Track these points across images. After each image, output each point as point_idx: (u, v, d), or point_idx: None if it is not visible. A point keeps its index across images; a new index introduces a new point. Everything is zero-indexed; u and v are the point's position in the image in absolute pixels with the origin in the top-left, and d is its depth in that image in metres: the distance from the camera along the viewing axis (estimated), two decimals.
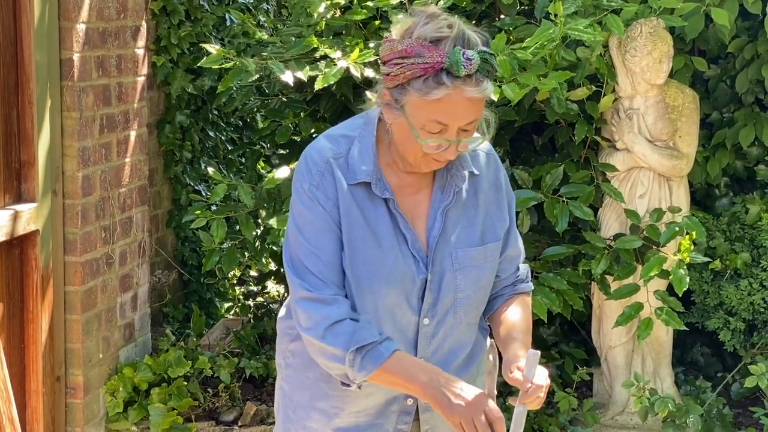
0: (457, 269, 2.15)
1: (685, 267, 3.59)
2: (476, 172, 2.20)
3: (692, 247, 3.56)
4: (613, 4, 3.81)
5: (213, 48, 3.85)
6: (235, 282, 5.68)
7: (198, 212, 4.01)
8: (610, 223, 3.99)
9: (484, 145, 2.25)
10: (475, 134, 2.09)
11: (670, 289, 3.82)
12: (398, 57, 2.01)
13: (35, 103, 3.60)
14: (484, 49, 2.02)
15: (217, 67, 3.88)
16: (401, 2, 3.91)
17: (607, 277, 3.86)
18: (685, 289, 3.56)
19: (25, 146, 3.61)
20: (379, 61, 2.13)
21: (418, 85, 1.99)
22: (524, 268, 2.35)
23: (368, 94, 2.30)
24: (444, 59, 1.96)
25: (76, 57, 3.78)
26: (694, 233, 3.59)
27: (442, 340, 2.18)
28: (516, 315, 2.26)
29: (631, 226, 3.89)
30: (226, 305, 5.44)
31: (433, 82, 1.98)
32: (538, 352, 2.03)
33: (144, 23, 4.29)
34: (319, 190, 2.11)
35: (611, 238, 3.93)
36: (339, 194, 2.11)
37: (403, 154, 2.11)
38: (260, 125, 5.73)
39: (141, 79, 4.29)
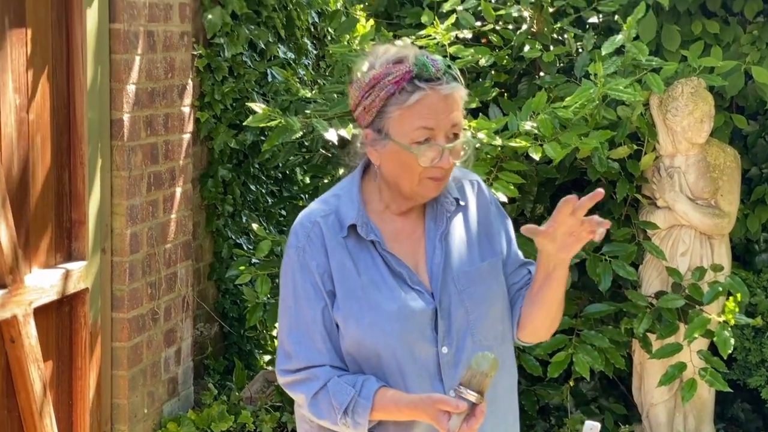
0: (462, 290, 2.16)
1: (729, 328, 3.59)
2: (462, 202, 2.24)
3: (737, 309, 3.56)
4: (653, 63, 3.85)
5: (258, 107, 3.91)
6: (274, 334, 5.71)
7: (242, 268, 4.06)
8: (651, 280, 4.01)
9: (468, 175, 2.29)
10: (463, 139, 2.10)
11: (712, 347, 3.82)
12: (368, 88, 2.10)
13: (86, 163, 3.68)
14: (444, 59, 2.12)
15: (263, 125, 3.94)
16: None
17: (649, 335, 3.87)
18: (730, 351, 3.56)
19: (76, 206, 3.68)
20: (352, 110, 2.17)
21: (395, 99, 2.07)
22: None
23: (345, 152, 2.32)
24: (412, 67, 2.06)
25: (126, 117, 3.86)
26: (738, 294, 3.59)
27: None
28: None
29: (673, 284, 3.90)
30: (266, 357, 5.47)
31: (408, 88, 2.06)
32: (598, 425, 2.04)
33: (190, 81, 4.38)
34: (306, 253, 2.14)
35: (653, 295, 3.94)
36: (329, 252, 2.13)
37: (398, 187, 2.14)
38: (299, 177, 5.81)
39: (187, 137, 4.37)
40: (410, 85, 2.06)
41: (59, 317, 3.64)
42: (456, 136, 2.10)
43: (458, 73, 2.12)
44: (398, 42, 3.93)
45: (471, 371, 1.95)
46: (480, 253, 2.21)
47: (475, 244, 2.22)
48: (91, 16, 3.68)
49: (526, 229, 2.03)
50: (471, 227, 2.23)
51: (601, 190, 1.98)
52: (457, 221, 2.22)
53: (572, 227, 2.01)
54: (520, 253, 2.32)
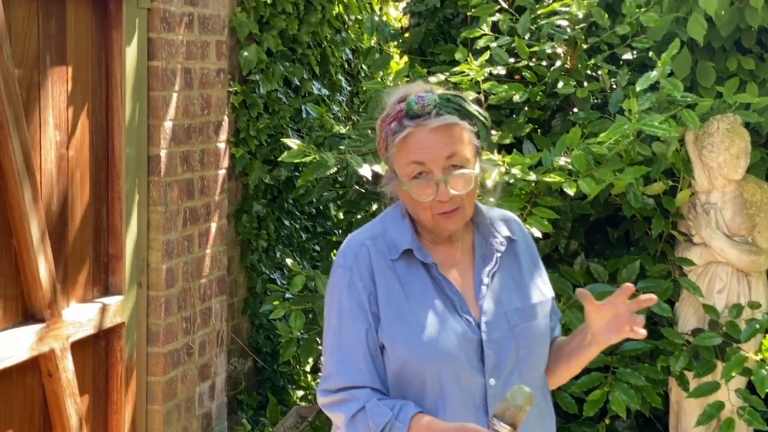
0: (514, 326, 2.18)
1: (767, 366, 3.55)
2: (513, 237, 2.28)
3: None
4: (688, 99, 3.84)
5: (293, 143, 3.93)
6: (307, 369, 5.71)
7: (276, 303, 4.06)
8: (688, 317, 3.97)
9: (514, 217, 2.35)
10: (463, 170, 2.13)
11: (751, 385, 3.77)
12: (379, 129, 2.19)
13: (124, 198, 3.72)
14: (446, 92, 2.17)
15: (296, 161, 3.96)
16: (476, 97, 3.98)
17: (686, 373, 3.83)
18: None
19: (114, 240, 3.72)
20: None
21: (391, 139, 2.14)
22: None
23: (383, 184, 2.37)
24: (403, 107, 2.13)
25: (162, 153, 3.90)
26: None
27: None
28: (560, 338, 2.37)
29: (709, 321, 3.87)
30: (300, 393, 5.47)
31: (398, 128, 2.13)
32: None
33: (225, 117, 4.43)
34: (353, 273, 2.17)
35: (689, 332, 3.91)
36: (376, 273, 2.16)
37: (419, 220, 2.19)
38: (333, 213, 5.83)
39: (222, 172, 4.41)
40: (399, 124, 2.13)
41: (96, 351, 3.67)
42: (457, 167, 2.12)
43: (463, 105, 2.15)
44: (432, 78, 3.96)
45: (506, 403, 1.95)
46: (531, 292, 2.26)
47: (527, 283, 2.26)
48: (130, 54, 3.74)
49: (582, 293, 2.14)
50: (520, 266, 2.28)
51: (654, 297, 2.13)
52: (506, 258, 2.26)
53: (621, 314, 2.13)
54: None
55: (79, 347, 3.53)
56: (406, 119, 2.12)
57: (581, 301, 2.15)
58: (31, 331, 3.26)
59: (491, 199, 2.50)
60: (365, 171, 3.87)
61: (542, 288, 2.29)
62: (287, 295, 4.23)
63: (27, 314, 3.30)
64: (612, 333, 2.15)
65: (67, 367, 3.42)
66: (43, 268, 3.27)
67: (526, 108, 4.32)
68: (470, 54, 4.16)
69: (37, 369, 3.36)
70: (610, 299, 2.14)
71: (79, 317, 3.49)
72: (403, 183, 2.13)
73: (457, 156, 2.12)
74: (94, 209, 3.64)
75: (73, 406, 3.45)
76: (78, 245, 3.55)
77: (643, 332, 2.11)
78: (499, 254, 2.23)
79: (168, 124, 3.93)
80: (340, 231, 5.12)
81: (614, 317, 2.14)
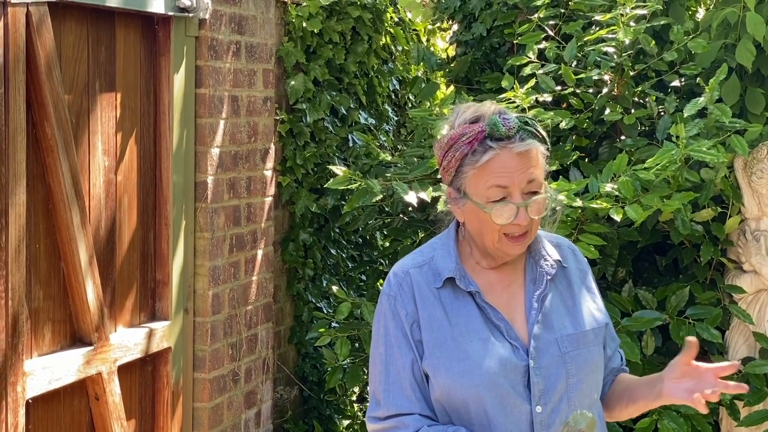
0: (566, 353, 2.16)
1: None
2: (565, 264, 2.26)
3: None
4: (736, 125, 3.80)
5: (339, 170, 3.95)
6: (354, 399, 5.69)
7: (322, 330, 4.07)
8: (738, 346, 3.92)
9: (568, 242, 2.33)
10: (541, 196, 2.12)
11: None
12: (447, 148, 2.14)
13: (171, 224, 3.75)
14: (524, 116, 2.15)
15: (342, 188, 3.98)
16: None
17: (736, 402, 3.77)
18: None
19: (161, 266, 3.75)
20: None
21: (469, 159, 2.10)
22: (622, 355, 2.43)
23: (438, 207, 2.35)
24: (485, 127, 2.09)
25: (209, 179, 3.94)
26: None
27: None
28: (630, 377, 2.34)
29: (760, 350, 3.81)
30: (345, 422, 5.45)
31: (480, 149, 2.09)
32: None
33: (272, 146, 4.46)
34: (397, 302, 2.17)
35: (740, 361, 3.85)
36: (419, 301, 2.16)
37: (482, 244, 2.16)
38: (379, 242, 5.83)
39: (268, 200, 4.43)
40: (482, 145, 2.09)
41: (142, 376, 3.69)
42: (535, 192, 2.11)
43: (538, 128, 2.14)
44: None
45: (568, 428, 1.94)
46: (584, 318, 2.23)
47: (579, 309, 2.24)
48: (178, 82, 3.79)
49: (691, 341, 2.10)
50: (573, 291, 2.26)
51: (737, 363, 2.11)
52: (558, 284, 2.24)
53: (704, 382, 2.08)
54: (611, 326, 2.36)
55: (125, 371, 3.55)
56: (491, 140, 2.08)
57: (687, 348, 2.10)
58: (79, 353, 3.29)
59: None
60: (411, 198, 3.87)
61: (596, 314, 2.26)
62: (333, 324, 4.24)
63: (75, 337, 3.34)
64: (681, 393, 2.11)
65: (114, 391, 3.44)
66: (91, 291, 3.31)
67: (573, 135, 4.30)
68: (516, 81, 4.16)
69: (84, 392, 3.39)
70: (708, 368, 2.09)
71: (126, 341, 3.52)
72: (481, 205, 2.10)
73: (536, 181, 2.11)
74: (141, 234, 3.67)
75: (120, 429, 3.47)
76: (125, 270, 3.59)
77: (705, 409, 2.05)
78: (549, 277, 2.21)
79: (215, 151, 3.97)
80: (386, 260, 5.11)
81: (697, 381, 2.10)
